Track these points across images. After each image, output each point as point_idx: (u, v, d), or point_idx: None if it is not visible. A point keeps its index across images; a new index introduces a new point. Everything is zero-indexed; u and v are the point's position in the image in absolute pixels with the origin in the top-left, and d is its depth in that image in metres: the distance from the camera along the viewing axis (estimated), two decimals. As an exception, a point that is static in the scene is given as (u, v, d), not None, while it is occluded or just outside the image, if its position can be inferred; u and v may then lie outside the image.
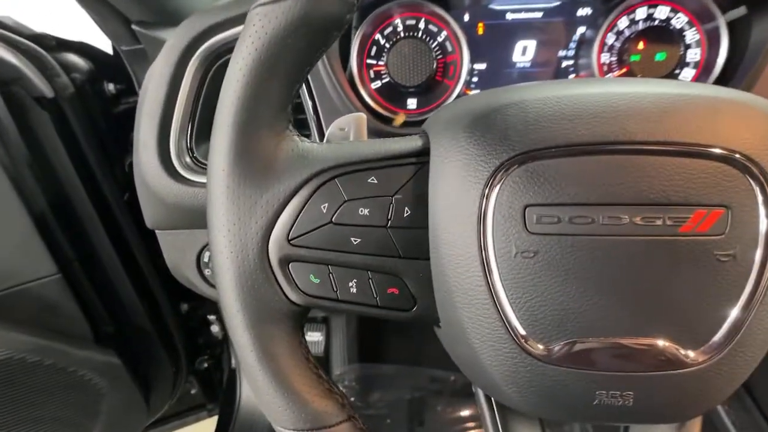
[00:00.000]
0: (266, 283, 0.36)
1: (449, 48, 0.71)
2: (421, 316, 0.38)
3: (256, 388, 0.37)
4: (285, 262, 0.36)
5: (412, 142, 0.38)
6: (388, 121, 0.72)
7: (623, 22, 0.69)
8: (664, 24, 0.68)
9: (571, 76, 0.73)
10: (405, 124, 0.72)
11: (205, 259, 0.68)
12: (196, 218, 0.64)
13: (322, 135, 0.67)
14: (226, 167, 0.34)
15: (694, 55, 0.68)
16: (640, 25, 0.68)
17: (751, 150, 0.32)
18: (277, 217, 0.36)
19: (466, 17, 0.72)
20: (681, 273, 0.32)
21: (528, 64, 0.73)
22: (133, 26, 0.80)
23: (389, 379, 1.45)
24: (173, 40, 0.65)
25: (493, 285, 0.34)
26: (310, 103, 0.67)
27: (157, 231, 0.70)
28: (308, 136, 0.68)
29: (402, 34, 0.71)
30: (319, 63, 0.65)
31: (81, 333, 0.98)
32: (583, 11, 0.70)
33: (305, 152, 0.37)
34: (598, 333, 0.33)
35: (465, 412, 1.38)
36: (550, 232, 0.33)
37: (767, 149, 0.32)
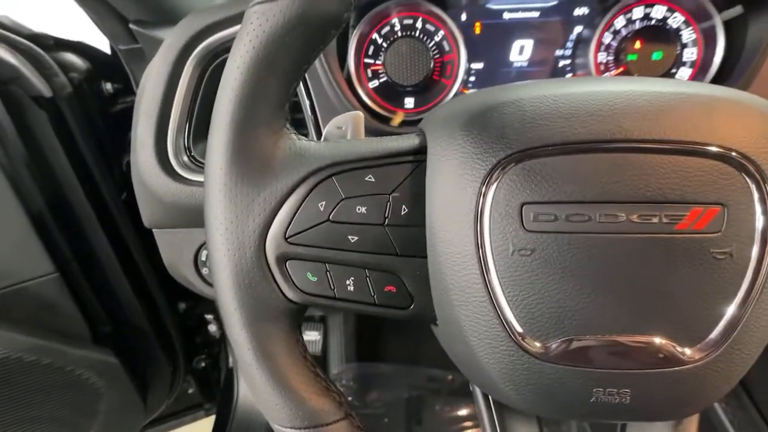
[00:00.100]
0: (263, 281, 0.36)
1: (446, 47, 0.71)
2: (418, 314, 0.38)
3: (253, 386, 0.37)
4: (282, 260, 0.36)
5: (409, 141, 0.38)
6: (385, 120, 0.72)
7: (620, 22, 0.69)
8: (660, 23, 0.68)
9: (568, 75, 0.73)
10: (402, 123, 0.72)
11: (203, 258, 0.68)
12: (194, 217, 0.64)
13: (319, 134, 0.67)
14: (224, 165, 0.34)
15: (690, 54, 0.68)
16: (637, 25, 0.68)
17: (747, 148, 0.32)
18: (275, 215, 0.36)
19: (464, 16, 0.72)
20: (677, 271, 0.32)
21: (525, 64, 0.73)
22: (131, 25, 0.80)
23: (387, 378, 1.45)
24: (171, 39, 0.65)
25: (490, 283, 0.34)
26: (307, 102, 0.67)
27: (154, 230, 0.70)
28: (306, 136, 0.68)
29: (399, 34, 0.71)
30: (317, 62, 0.65)
31: (78, 332, 0.98)
32: (580, 11, 0.70)
33: (302, 150, 0.37)
34: (595, 331, 0.33)
35: (463, 411, 1.38)
36: (547, 230, 0.33)
37: (763, 147, 0.32)
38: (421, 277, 0.37)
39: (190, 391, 1.40)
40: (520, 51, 0.73)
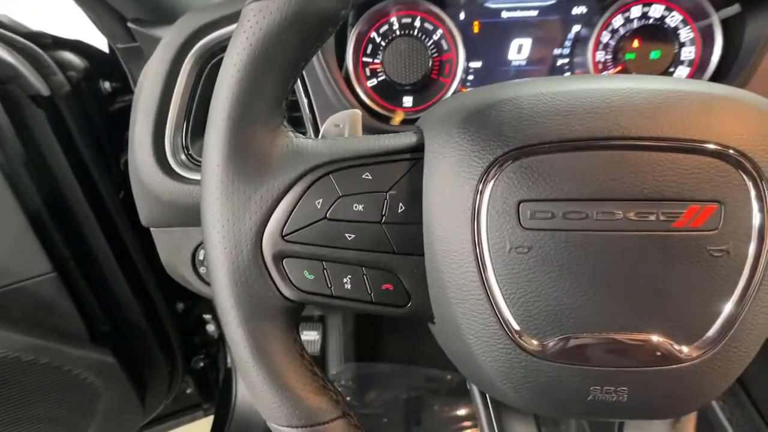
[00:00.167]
0: (260, 279, 0.36)
1: (445, 46, 0.71)
2: (415, 312, 0.38)
3: (250, 384, 0.37)
4: (279, 258, 0.36)
5: (407, 138, 0.38)
6: (384, 118, 0.72)
7: (618, 21, 0.69)
8: (658, 22, 0.68)
9: (567, 74, 0.73)
10: (403, 122, 0.72)
11: (201, 257, 0.68)
12: (192, 216, 0.64)
13: (317, 132, 0.67)
14: (221, 162, 0.34)
15: (688, 53, 0.68)
16: (635, 24, 0.68)
17: (744, 146, 0.32)
18: (271, 212, 0.35)
19: (462, 15, 0.72)
20: (674, 268, 0.32)
21: (523, 63, 0.73)
22: (129, 24, 0.80)
23: (386, 378, 1.45)
24: (168, 37, 0.65)
25: (487, 280, 0.34)
26: (305, 101, 0.67)
27: (152, 229, 0.69)
28: (304, 134, 0.68)
29: (398, 32, 0.71)
30: (315, 61, 0.65)
31: (76, 332, 0.98)
32: (578, 9, 0.70)
33: (300, 148, 0.37)
34: (592, 328, 0.33)
35: (461, 411, 1.38)
36: (544, 228, 0.33)
37: (760, 145, 0.32)
38: (419, 275, 0.37)
39: (189, 391, 1.40)
40: (519, 50, 0.73)
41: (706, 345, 0.33)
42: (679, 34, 0.68)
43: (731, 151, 0.32)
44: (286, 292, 0.37)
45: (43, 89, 0.88)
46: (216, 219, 0.35)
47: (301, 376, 0.37)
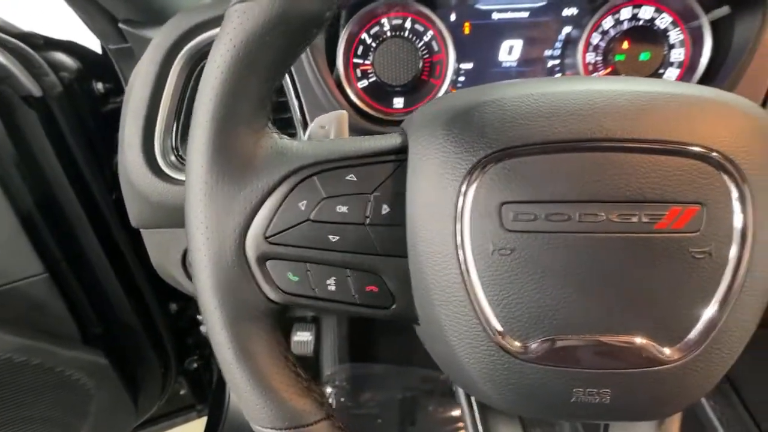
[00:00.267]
0: (244, 281, 0.36)
1: (435, 47, 0.71)
2: (400, 314, 0.38)
3: (233, 386, 0.37)
4: (263, 259, 0.36)
5: (392, 140, 0.37)
6: (375, 120, 0.72)
7: (608, 22, 0.69)
8: (648, 24, 0.68)
9: (557, 75, 0.73)
10: (391, 123, 0.72)
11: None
12: (181, 217, 0.63)
13: (308, 134, 0.67)
14: (204, 163, 0.34)
15: (678, 54, 0.68)
16: (625, 25, 0.69)
17: (726, 148, 0.32)
18: (255, 214, 0.35)
19: (453, 17, 0.72)
20: (657, 270, 0.32)
21: (514, 64, 0.73)
22: (120, 25, 0.80)
23: (380, 378, 1.45)
24: (158, 38, 0.65)
25: (470, 282, 0.34)
26: (296, 102, 0.67)
27: (142, 230, 0.69)
28: (294, 135, 0.68)
29: (388, 34, 0.71)
30: (306, 62, 0.65)
31: (68, 333, 0.98)
32: (569, 11, 0.70)
33: (284, 149, 0.37)
34: (574, 330, 0.33)
35: (456, 412, 1.38)
36: (526, 230, 0.33)
37: (743, 146, 0.32)
38: (403, 276, 0.37)
39: (182, 392, 1.40)
40: (510, 51, 0.73)
41: (689, 347, 0.33)
42: (668, 36, 0.68)
43: (714, 154, 0.32)
44: (270, 293, 0.37)
45: (35, 90, 0.88)
46: (200, 220, 0.35)
47: (285, 377, 0.37)
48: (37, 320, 0.93)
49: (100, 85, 1.03)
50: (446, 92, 0.73)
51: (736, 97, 0.35)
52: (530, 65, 0.73)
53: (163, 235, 0.68)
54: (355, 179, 0.36)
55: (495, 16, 0.72)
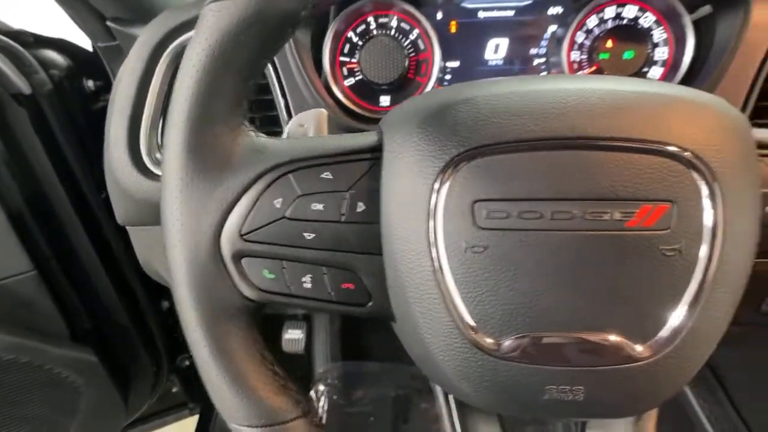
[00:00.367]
0: (219, 279, 0.36)
1: (421, 46, 0.72)
2: (376, 311, 0.38)
3: (209, 384, 0.37)
4: (238, 257, 0.36)
5: (368, 138, 0.38)
6: (361, 118, 0.72)
7: (592, 21, 0.69)
8: (632, 23, 0.69)
9: (543, 73, 0.74)
10: (378, 121, 0.72)
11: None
12: None
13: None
14: (180, 161, 0.34)
15: (661, 53, 0.69)
16: (609, 24, 0.69)
17: (696, 146, 0.32)
18: (230, 211, 0.35)
19: (439, 15, 0.72)
20: (628, 267, 0.33)
21: (500, 62, 0.74)
22: (108, 23, 0.80)
23: (373, 376, 1.45)
24: (145, 36, 0.65)
25: (443, 280, 0.34)
26: (282, 101, 0.67)
27: (128, 227, 0.70)
28: (280, 134, 0.68)
29: (375, 32, 0.71)
30: (291, 60, 0.65)
31: (57, 330, 0.98)
32: (554, 10, 0.71)
33: (260, 147, 0.37)
34: (547, 328, 0.34)
35: (450, 409, 1.38)
36: (499, 227, 0.33)
37: (713, 145, 0.32)
38: (378, 273, 0.37)
39: (174, 390, 1.39)
40: (495, 49, 0.73)
41: (661, 343, 0.34)
42: (652, 35, 0.68)
43: (685, 153, 0.32)
44: (246, 291, 0.37)
45: (25, 88, 0.88)
46: (175, 217, 0.35)
47: (261, 375, 0.37)
48: (26, 318, 0.93)
49: (90, 83, 1.03)
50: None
51: (711, 96, 0.35)
52: (516, 64, 0.74)
53: (149, 232, 0.68)
54: (330, 177, 0.36)
55: (481, 14, 0.72)
